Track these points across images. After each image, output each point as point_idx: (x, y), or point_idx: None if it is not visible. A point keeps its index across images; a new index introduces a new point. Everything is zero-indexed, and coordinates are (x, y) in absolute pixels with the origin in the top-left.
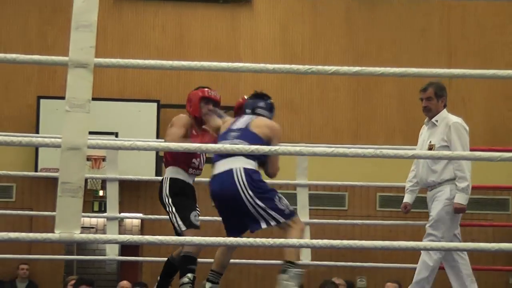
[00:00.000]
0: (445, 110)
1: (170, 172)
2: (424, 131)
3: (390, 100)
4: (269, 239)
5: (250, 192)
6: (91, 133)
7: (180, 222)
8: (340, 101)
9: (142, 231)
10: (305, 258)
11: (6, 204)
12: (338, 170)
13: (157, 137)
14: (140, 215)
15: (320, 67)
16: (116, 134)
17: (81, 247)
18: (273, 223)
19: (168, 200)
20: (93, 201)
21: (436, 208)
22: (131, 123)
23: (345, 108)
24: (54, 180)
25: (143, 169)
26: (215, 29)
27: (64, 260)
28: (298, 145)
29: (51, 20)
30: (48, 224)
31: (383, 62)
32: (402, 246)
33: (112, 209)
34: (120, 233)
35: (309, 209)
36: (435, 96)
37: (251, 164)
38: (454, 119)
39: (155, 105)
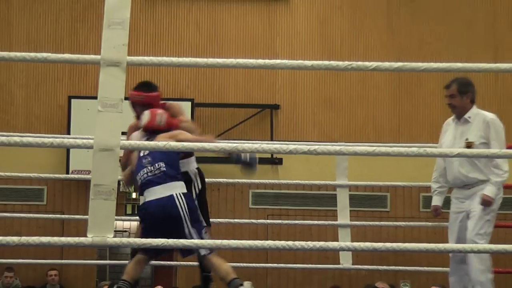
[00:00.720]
0: (475, 106)
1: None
2: (451, 128)
3: (433, 97)
4: (309, 242)
5: (188, 219)
6: (123, 133)
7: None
8: (381, 98)
9: None
10: (346, 261)
11: (37, 207)
12: (379, 170)
13: None
14: None
15: (360, 63)
16: None
17: (113, 251)
18: (203, 252)
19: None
20: (126, 203)
21: (479, 206)
22: None
23: (387, 106)
24: (86, 182)
25: None
26: (251, 25)
27: (97, 265)
28: (338, 144)
29: (83, 17)
30: (80, 228)
31: (426, 56)
32: (448, 249)
33: None
34: None
35: (350, 210)
36: (458, 93)
37: (185, 188)
38: (490, 115)
39: (189, 104)
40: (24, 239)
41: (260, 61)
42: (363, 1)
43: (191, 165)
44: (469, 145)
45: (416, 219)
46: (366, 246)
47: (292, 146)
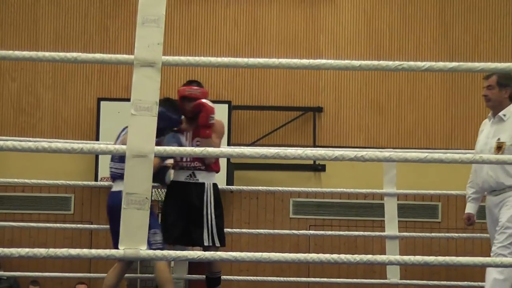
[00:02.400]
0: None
1: (212, 177)
2: (487, 127)
3: None
4: (355, 256)
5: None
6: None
7: (216, 238)
8: (433, 101)
9: None
10: (393, 276)
11: (64, 216)
12: (430, 178)
13: (229, 141)
14: None
15: (412, 63)
16: None
17: (144, 264)
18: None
19: (210, 209)
20: (158, 213)
21: (507, 214)
22: None
23: (439, 108)
24: None
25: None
26: (293, 22)
27: (127, 279)
28: (387, 150)
29: (113, 13)
30: (110, 239)
31: (481, 55)
32: (505, 263)
33: None
34: (188, 248)
35: (398, 221)
36: (497, 85)
37: None
38: None
39: (226, 106)
40: (52, 251)
41: (305, 61)
42: None
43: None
44: (500, 145)
45: (469, 231)
46: (416, 260)
47: (338, 152)
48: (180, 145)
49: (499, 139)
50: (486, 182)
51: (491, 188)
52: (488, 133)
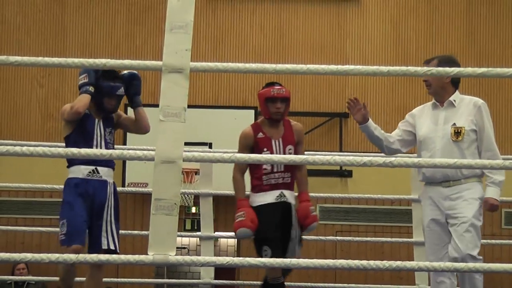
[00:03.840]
0: (458, 91)
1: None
2: (428, 114)
3: None
4: (384, 262)
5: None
6: (186, 144)
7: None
8: None
9: (238, 252)
10: (422, 282)
11: None
12: None
13: None
14: None
15: (440, 68)
16: (210, 145)
17: (171, 269)
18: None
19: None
20: (185, 218)
21: (471, 209)
22: (226, 132)
23: None
24: (143, 196)
25: None
26: (319, 28)
27: (154, 284)
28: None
29: (140, 20)
30: (137, 244)
31: (508, 61)
32: None
33: (207, 228)
34: (214, 254)
35: None
36: None
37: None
38: (480, 100)
39: (252, 112)
40: (81, 256)
41: (333, 67)
42: (440, 2)
43: None
44: (458, 130)
45: (497, 237)
46: (446, 266)
47: (366, 158)
48: None
49: (454, 124)
50: (439, 172)
51: (445, 178)
52: (435, 119)
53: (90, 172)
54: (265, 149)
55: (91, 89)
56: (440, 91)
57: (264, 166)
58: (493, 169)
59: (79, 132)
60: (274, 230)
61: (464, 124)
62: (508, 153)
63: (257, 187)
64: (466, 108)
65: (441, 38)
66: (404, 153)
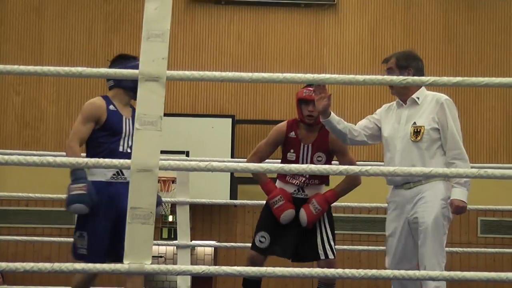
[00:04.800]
0: (423, 87)
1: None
2: (393, 113)
3: (493, 113)
4: (360, 270)
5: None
6: (162, 152)
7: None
8: None
9: (215, 261)
10: None
11: (68, 230)
12: None
13: (232, 155)
14: (214, 242)
15: (416, 77)
16: (187, 153)
17: (149, 278)
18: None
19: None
20: (161, 227)
21: (431, 212)
22: (203, 140)
23: None
24: None
25: (216, 192)
26: (297, 36)
27: None
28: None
29: (117, 28)
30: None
31: (485, 70)
32: (510, 278)
33: (183, 236)
34: (191, 263)
35: None
36: (397, 67)
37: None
38: (444, 95)
39: (229, 120)
40: (57, 265)
41: (309, 76)
42: (417, 9)
43: None
44: (417, 129)
45: (474, 245)
46: (421, 274)
47: (342, 167)
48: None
49: (414, 123)
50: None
51: (405, 180)
52: (398, 119)
53: (114, 175)
54: (291, 151)
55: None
56: (402, 90)
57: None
58: (460, 177)
59: (104, 129)
60: (274, 222)
61: (424, 123)
62: (484, 162)
63: (281, 178)
64: (429, 105)
65: (418, 45)
66: (370, 144)
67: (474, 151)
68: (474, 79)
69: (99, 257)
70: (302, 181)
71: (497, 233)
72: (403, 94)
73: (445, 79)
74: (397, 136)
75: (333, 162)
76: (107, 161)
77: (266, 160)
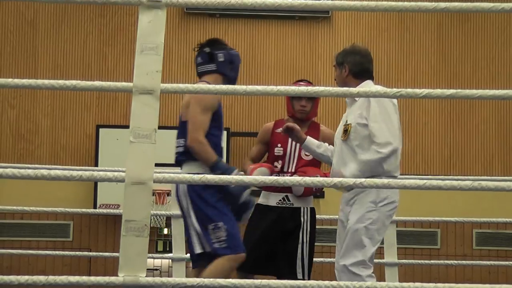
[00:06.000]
0: (368, 82)
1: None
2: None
3: (487, 125)
4: (354, 282)
5: (189, 199)
6: (154, 165)
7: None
8: (431, 126)
9: None
10: None
11: (62, 243)
12: (428, 204)
13: None
14: None
15: (409, 90)
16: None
17: None
18: (207, 249)
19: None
20: (157, 240)
21: (355, 215)
22: None
23: (437, 134)
24: (115, 217)
25: None
26: (291, 49)
27: None
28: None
29: (112, 41)
30: (108, 266)
31: (479, 82)
32: None
33: (178, 249)
34: (186, 276)
35: (397, 248)
36: (337, 65)
37: (197, 167)
38: (378, 87)
39: (224, 133)
40: (51, 278)
41: (303, 89)
42: (411, 23)
43: None
44: (346, 128)
45: (469, 258)
46: (415, 286)
47: (336, 179)
48: None
49: (346, 121)
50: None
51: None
52: (344, 118)
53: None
54: (279, 145)
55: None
56: (343, 87)
57: (275, 164)
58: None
59: (214, 119)
60: (254, 239)
61: (352, 120)
62: (478, 174)
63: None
64: (360, 101)
65: (412, 59)
66: None
67: (468, 163)
68: (468, 92)
69: (241, 243)
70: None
71: (492, 245)
72: None
73: (438, 91)
74: (337, 137)
75: None
76: (101, 174)
77: (260, 171)
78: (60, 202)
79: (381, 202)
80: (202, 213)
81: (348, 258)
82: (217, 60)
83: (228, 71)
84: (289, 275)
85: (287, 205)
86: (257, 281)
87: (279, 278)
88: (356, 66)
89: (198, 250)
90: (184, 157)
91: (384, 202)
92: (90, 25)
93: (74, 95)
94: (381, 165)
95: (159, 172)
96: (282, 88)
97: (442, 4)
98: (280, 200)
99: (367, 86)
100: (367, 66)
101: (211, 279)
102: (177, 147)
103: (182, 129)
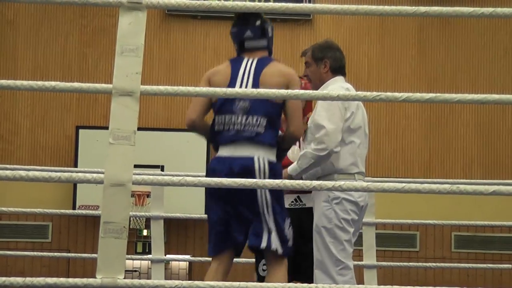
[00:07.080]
0: (341, 77)
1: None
2: None
3: (466, 129)
4: (333, 285)
5: (269, 196)
6: (134, 166)
7: None
8: (411, 130)
9: (190, 275)
10: None
11: (41, 245)
12: (408, 207)
13: None
14: (188, 257)
15: (389, 93)
16: (162, 167)
17: None
18: (274, 247)
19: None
20: (136, 241)
21: (315, 215)
22: (178, 155)
23: (417, 138)
24: (94, 218)
25: (191, 206)
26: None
27: None
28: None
29: (92, 42)
30: (87, 267)
31: (459, 86)
32: None
33: (158, 251)
34: (166, 277)
35: (376, 250)
36: (313, 61)
37: (274, 155)
38: (345, 84)
39: None
40: (28, 280)
41: (283, 91)
42: (392, 26)
43: None
44: (305, 129)
45: (447, 260)
46: None
47: (315, 182)
48: None
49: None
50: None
51: (317, 174)
52: None
53: None
54: None
55: None
56: (320, 84)
57: None
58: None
59: None
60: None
61: (310, 121)
62: (458, 177)
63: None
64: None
65: (393, 62)
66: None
67: (448, 167)
68: (447, 96)
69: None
70: None
71: (471, 248)
72: (318, 87)
73: (418, 95)
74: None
75: None
76: (80, 175)
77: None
78: (39, 202)
79: (335, 200)
80: (281, 210)
81: (321, 263)
82: (268, 35)
83: (272, 47)
84: (307, 279)
85: (300, 206)
86: (242, 284)
87: (298, 280)
88: (337, 62)
89: (263, 244)
90: (266, 139)
91: (338, 200)
92: (71, 26)
93: (54, 96)
94: (321, 157)
95: (139, 174)
96: (262, 90)
97: (422, 9)
98: (292, 202)
99: (327, 86)
100: (344, 62)
101: (189, 282)
102: (253, 126)
103: (264, 107)
